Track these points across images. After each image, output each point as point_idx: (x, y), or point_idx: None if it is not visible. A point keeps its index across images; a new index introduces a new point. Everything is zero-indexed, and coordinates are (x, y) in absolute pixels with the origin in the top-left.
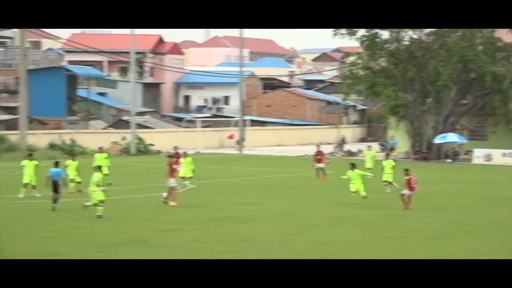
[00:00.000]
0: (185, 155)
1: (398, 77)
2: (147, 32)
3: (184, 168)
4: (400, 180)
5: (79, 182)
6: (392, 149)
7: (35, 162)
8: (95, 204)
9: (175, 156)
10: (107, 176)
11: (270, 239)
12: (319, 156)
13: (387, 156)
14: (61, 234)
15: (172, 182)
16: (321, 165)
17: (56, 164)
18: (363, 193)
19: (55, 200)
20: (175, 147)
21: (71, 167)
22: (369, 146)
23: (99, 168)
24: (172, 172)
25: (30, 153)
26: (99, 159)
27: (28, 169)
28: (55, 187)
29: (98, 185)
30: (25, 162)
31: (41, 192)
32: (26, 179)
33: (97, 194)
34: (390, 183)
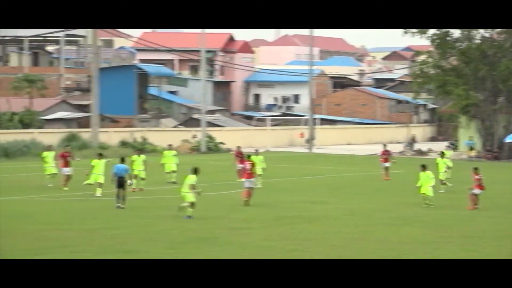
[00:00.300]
0: (257, 153)
1: (469, 76)
2: (217, 30)
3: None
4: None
5: (142, 179)
6: (471, 148)
7: (104, 161)
8: (192, 204)
9: (238, 156)
10: (174, 174)
11: (339, 238)
12: (385, 155)
13: (442, 155)
14: (131, 231)
15: (248, 183)
16: (387, 164)
17: (122, 160)
18: (430, 202)
19: (118, 197)
20: (238, 147)
21: (136, 162)
22: (447, 147)
23: (195, 170)
24: (248, 172)
25: (100, 152)
26: (168, 156)
27: (98, 168)
28: (121, 184)
29: (191, 188)
30: (95, 162)
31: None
32: (92, 179)
33: (188, 196)
34: (443, 182)
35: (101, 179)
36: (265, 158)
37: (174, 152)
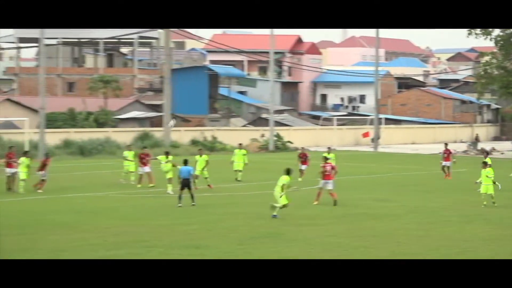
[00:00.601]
0: (329, 151)
1: None
2: (286, 32)
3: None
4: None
5: (206, 178)
6: None
7: (170, 158)
8: (284, 206)
9: (302, 157)
10: (241, 173)
11: (403, 234)
12: (446, 154)
13: (486, 155)
14: (201, 227)
15: (324, 184)
16: (447, 163)
17: (185, 163)
18: (492, 200)
19: (180, 198)
20: (303, 148)
21: (199, 163)
22: None
23: (287, 171)
24: (327, 174)
25: (167, 150)
26: (238, 155)
27: (165, 166)
28: (186, 185)
29: (286, 188)
30: (162, 158)
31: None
32: (169, 175)
33: (282, 199)
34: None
35: (170, 174)
36: (336, 156)
37: (244, 151)
